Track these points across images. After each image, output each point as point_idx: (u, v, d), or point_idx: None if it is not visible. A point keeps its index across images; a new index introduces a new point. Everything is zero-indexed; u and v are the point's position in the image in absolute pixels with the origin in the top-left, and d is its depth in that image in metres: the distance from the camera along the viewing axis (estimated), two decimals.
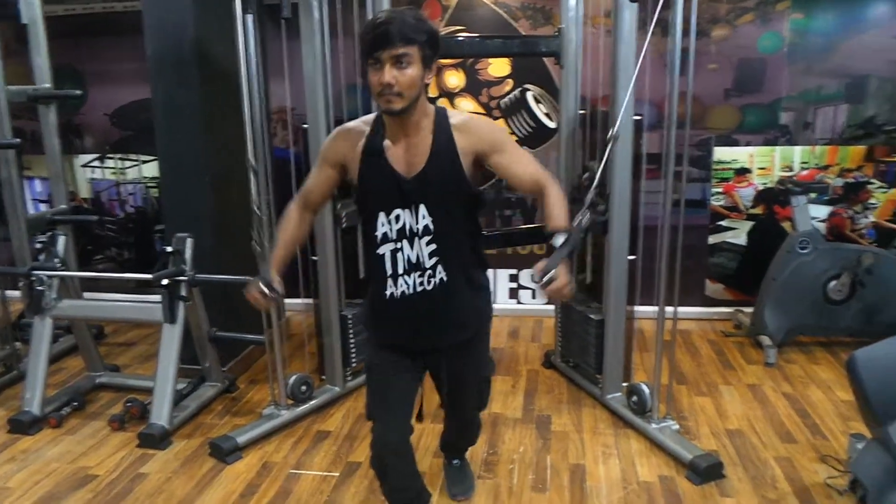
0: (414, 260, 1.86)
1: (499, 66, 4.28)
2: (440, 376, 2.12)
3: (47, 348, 3.31)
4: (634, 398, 3.07)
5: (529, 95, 4.29)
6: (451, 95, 4.35)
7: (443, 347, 2.03)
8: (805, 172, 4.13)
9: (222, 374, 3.53)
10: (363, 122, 1.88)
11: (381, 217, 1.85)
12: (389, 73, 1.64)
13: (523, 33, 4.16)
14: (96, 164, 4.86)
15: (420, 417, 2.18)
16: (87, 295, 4.13)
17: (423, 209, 1.82)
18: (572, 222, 1.78)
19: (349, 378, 3.49)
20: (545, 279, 1.62)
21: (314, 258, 3.30)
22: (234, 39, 2.74)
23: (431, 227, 1.83)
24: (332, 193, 2.02)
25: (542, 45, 3.35)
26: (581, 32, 3.30)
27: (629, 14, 2.86)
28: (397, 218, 1.83)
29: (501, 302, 4.62)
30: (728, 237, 4.30)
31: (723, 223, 4.29)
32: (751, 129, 4.15)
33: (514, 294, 4.62)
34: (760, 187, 4.21)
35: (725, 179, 4.22)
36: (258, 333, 3.15)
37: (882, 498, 2.41)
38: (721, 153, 4.20)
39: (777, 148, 4.14)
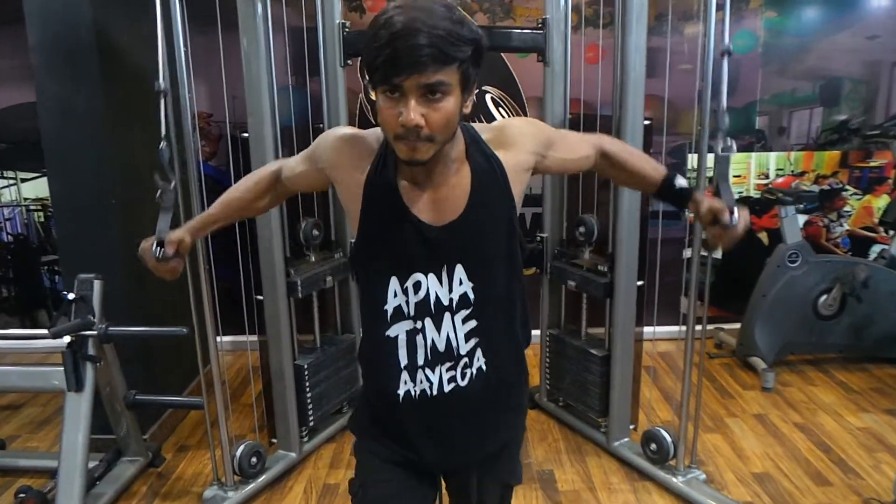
0: (442, 347, 1.28)
1: None
2: (464, 498, 1.49)
3: None
4: (653, 446, 2.66)
5: (488, 98, 3.82)
6: None
7: (477, 461, 1.44)
8: (781, 180, 3.90)
9: (143, 443, 2.82)
10: (374, 137, 1.29)
11: (394, 284, 1.27)
12: (416, 111, 1.08)
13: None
14: None
15: None
16: None
17: (459, 271, 1.26)
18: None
19: (305, 439, 2.88)
20: (735, 218, 1.28)
21: (259, 298, 2.68)
22: (147, 25, 2.10)
23: (471, 296, 1.27)
24: (303, 190, 1.50)
25: (523, 40, 2.89)
26: (570, 24, 2.87)
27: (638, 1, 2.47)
28: (417, 286, 1.26)
29: None
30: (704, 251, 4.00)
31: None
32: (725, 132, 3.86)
33: None
34: (736, 196, 3.94)
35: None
36: (182, 390, 2.50)
37: None
38: (695, 160, 3.89)
39: (752, 154, 3.89)
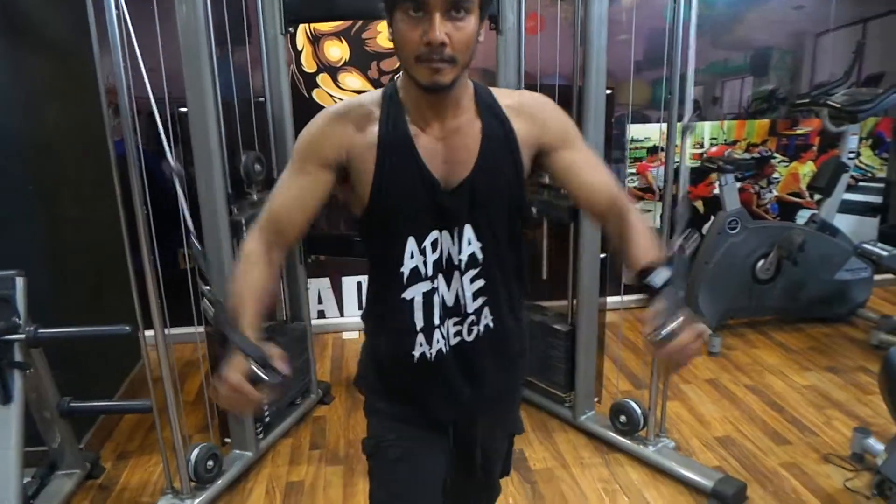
0: (451, 303, 1.27)
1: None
2: (472, 448, 1.49)
3: None
4: (622, 418, 2.65)
5: None
6: (332, 70, 3.62)
7: (485, 412, 1.45)
8: (714, 149, 3.98)
9: (80, 453, 2.56)
10: (368, 100, 1.22)
11: (411, 244, 1.22)
12: (442, 28, 1.05)
13: None
14: None
15: None
16: None
17: (469, 232, 1.23)
18: (671, 248, 1.26)
19: (261, 436, 2.70)
20: (663, 334, 1.06)
21: (206, 288, 2.46)
22: None
23: (480, 256, 1.25)
24: (318, 212, 1.23)
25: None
26: None
27: None
28: (434, 245, 1.22)
29: (351, 314, 3.99)
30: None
31: (638, 206, 4.02)
32: (661, 104, 3.90)
33: (361, 304, 3.99)
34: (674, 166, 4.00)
35: (639, 159, 3.96)
36: (113, 392, 2.26)
37: None
38: (634, 131, 3.91)
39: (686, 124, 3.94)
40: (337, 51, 3.60)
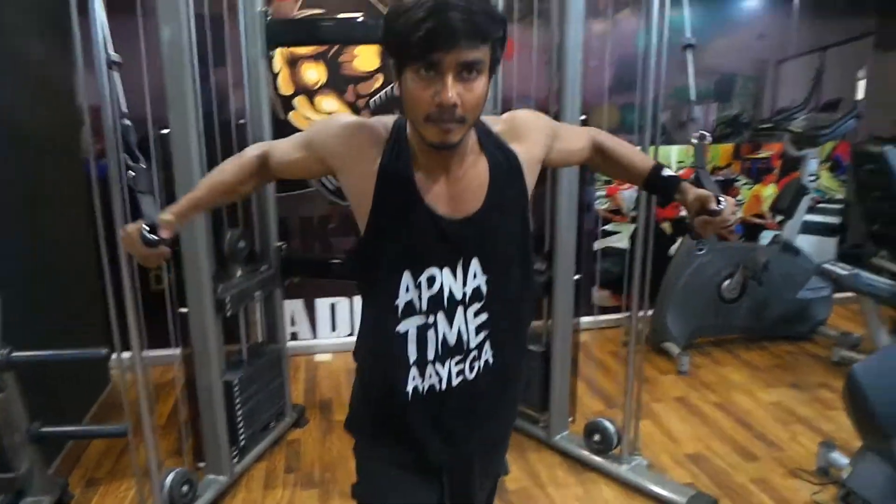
0: (453, 340, 1.25)
1: (366, 59, 3.66)
2: (464, 491, 1.42)
3: None
4: (596, 437, 2.70)
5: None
6: (309, 93, 3.64)
7: (478, 454, 1.40)
8: (682, 171, 4.09)
9: (49, 479, 2.50)
10: (381, 126, 1.22)
11: (407, 278, 1.21)
12: (454, 89, 1.05)
13: None
14: None
15: None
16: None
17: (475, 265, 1.23)
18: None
19: (236, 460, 2.67)
20: (722, 202, 1.27)
21: (183, 310, 2.45)
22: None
23: (484, 289, 1.24)
24: (292, 177, 1.38)
25: None
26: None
27: None
28: (431, 280, 1.22)
29: (324, 336, 4.00)
30: (613, 242, 4.13)
31: (608, 227, 4.11)
32: (631, 128, 4.00)
33: (335, 326, 4.02)
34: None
35: (609, 182, 4.04)
36: (81, 415, 2.22)
37: None
38: None
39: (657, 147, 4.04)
40: (314, 73, 3.62)
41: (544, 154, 1.32)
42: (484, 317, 1.26)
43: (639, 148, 1.51)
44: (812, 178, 3.76)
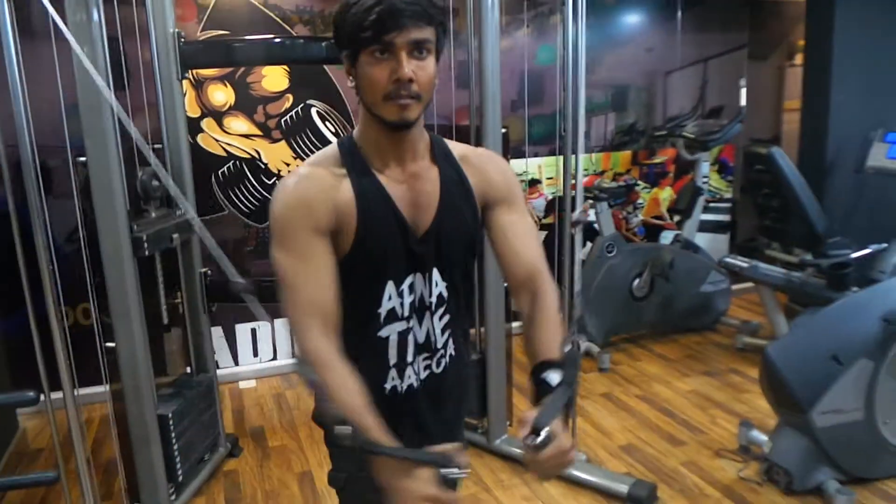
0: (423, 340, 1.31)
1: (275, 79, 3.62)
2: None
3: None
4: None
5: (314, 112, 3.71)
6: (218, 114, 3.56)
7: (444, 436, 1.45)
8: (586, 179, 4.29)
9: None
10: (325, 158, 1.23)
11: (390, 287, 1.25)
12: (409, 66, 1.12)
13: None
14: None
15: None
16: None
17: (436, 274, 1.28)
18: (564, 346, 1.21)
19: (173, 497, 2.55)
20: (539, 440, 1.01)
21: (109, 345, 2.33)
22: None
23: (445, 294, 1.31)
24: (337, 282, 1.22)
25: None
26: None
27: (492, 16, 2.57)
28: (411, 287, 1.26)
29: (246, 362, 3.91)
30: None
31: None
32: (537, 140, 4.18)
33: (256, 352, 3.95)
34: (550, 197, 4.27)
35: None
36: None
37: (807, 479, 2.51)
38: (514, 165, 4.14)
39: (561, 157, 4.23)
40: (221, 95, 3.54)
41: (487, 199, 1.30)
42: (447, 318, 1.33)
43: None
44: (705, 179, 4.06)
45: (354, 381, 1.15)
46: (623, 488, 2.54)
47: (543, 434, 1.00)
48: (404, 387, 1.32)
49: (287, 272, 1.17)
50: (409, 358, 1.30)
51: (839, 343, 2.43)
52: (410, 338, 1.29)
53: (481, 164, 1.32)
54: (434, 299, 1.29)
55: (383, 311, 1.26)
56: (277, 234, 1.18)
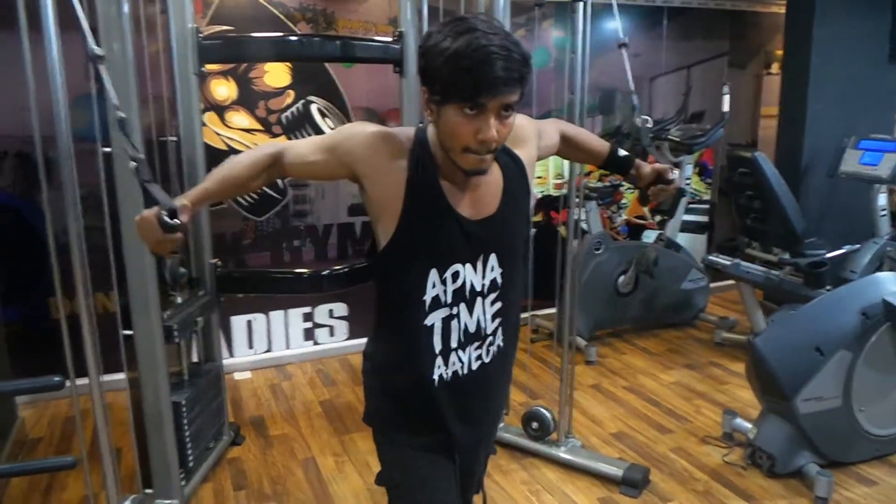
0: (473, 328, 1.38)
1: (277, 76, 3.69)
2: (472, 470, 1.57)
3: None
4: (534, 424, 2.90)
5: (314, 108, 3.79)
6: (219, 109, 3.61)
7: (490, 429, 1.58)
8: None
9: None
10: (405, 137, 1.32)
11: (433, 275, 1.32)
12: (496, 127, 1.17)
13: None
14: None
15: None
16: None
17: (493, 260, 1.36)
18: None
19: (183, 482, 2.62)
20: (675, 173, 1.58)
21: (127, 333, 2.39)
22: None
23: (500, 280, 1.38)
24: (307, 179, 1.49)
25: (383, 51, 2.95)
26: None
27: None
28: (455, 275, 1.33)
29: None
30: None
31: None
32: None
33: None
34: (539, 195, 4.40)
35: None
36: None
37: (789, 462, 2.68)
38: None
39: (550, 158, 4.37)
40: (224, 90, 3.60)
41: (537, 153, 1.48)
42: (499, 305, 1.39)
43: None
44: (688, 181, 4.24)
45: (244, 167, 1.33)
46: (618, 472, 2.68)
47: (675, 171, 1.59)
48: (449, 374, 1.38)
49: (307, 141, 1.37)
50: (454, 343, 1.36)
51: (821, 335, 2.61)
52: (454, 323, 1.35)
53: (522, 135, 1.41)
54: (487, 283, 1.35)
55: (428, 298, 1.32)
56: (330, 134, 1.35)
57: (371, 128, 1.32)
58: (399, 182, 1.28)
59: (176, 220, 1.19)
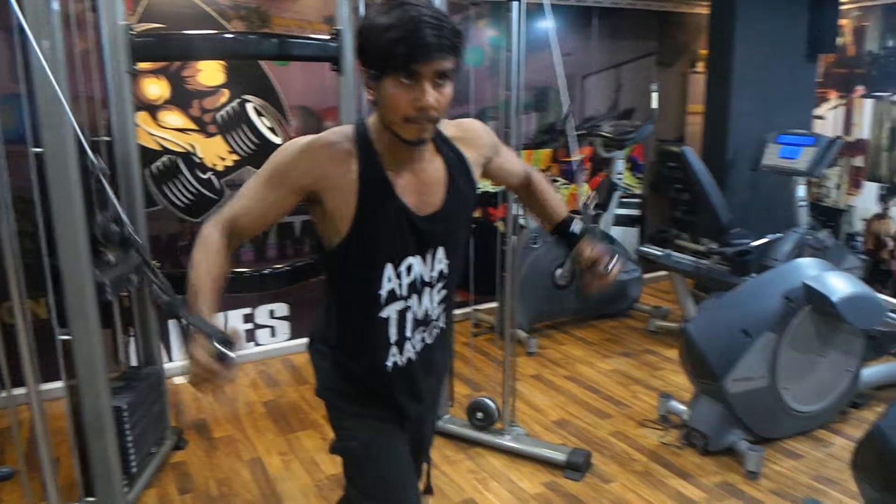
0: (422, 315, 1.47)
1: (211, 74, 3.63)
2: (423, 434, 1.67)
3: None
4: (479, 414, 2.96)
5: (250, 107, 3.75)
6: (152, 108, 3.53)
7: (434, 399, 1.68)
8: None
9: None
10: (343, 137, 1.35)
11: (389, 270, 1.38)
12: (432, 94, 1.22)
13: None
14: None
15: (430, 490, 1.76)
16: None
17: (440, 252, 1.43)
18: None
19: (126, 489, 2.56)
20: (612, 265, 1.55)
21: (64, 337, 2.32)
22: None
23: (446, 271, 1.46)
24: (271, 225, 1.50)
25: (318, 49, 2.95)
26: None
27: None
28: (409, 269, 1.40)
29: (180, 359, 3.88)
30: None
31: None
32: None
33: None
34: (479, 191, 4.47)
35: None
36: None
37: (722, 440, 2.82)
38: None
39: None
40: (156, 88, 3.52)
41: (484, 163, 1.52)
42: (444, 293, 1.48)
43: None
44: (619, 176, 4.38)
45: (217, 265, 1.28)
46: (561, 456, 2.77)
47: (613, 263, 1.54)
48: (404, 360, 1.47)
49: (247, 189, 1.35)
50: (408, 333, 1.44)
51: (748, 318, 2.76)
52: (409, 315, 1.43)
53: (470, 137, 1.47)
54: (435, 275, 1.43)
55: (384, 292, 1.39)
56: (268, 168, 1.34)
57: (306, 141, 1.34)
58: (351, 182, 1.32)
59: (232, 353, 1.12)
